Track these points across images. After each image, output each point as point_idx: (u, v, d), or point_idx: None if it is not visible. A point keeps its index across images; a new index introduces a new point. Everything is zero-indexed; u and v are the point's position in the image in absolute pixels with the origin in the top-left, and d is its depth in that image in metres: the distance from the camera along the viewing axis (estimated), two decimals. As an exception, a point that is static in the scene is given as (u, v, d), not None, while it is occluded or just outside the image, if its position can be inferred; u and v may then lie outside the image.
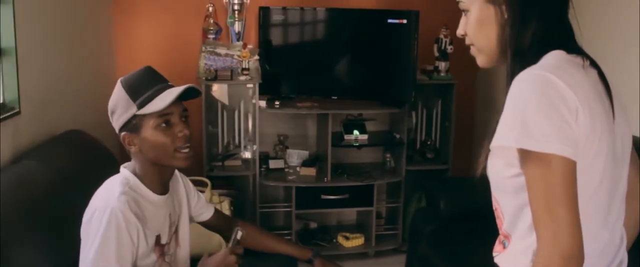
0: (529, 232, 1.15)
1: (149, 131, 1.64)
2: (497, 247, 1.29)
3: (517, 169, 1.13)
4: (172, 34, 3.72)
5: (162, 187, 1.73)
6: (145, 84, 1.66)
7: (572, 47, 1.18)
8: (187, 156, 1.67)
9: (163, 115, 1.63)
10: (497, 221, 1.29)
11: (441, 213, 2.98)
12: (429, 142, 3.81)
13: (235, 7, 3.57)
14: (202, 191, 2.80)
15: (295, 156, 3.71)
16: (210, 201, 2.77)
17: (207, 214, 2.00)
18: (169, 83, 1.71)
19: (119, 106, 1.67)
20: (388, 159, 3.73)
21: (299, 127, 3.79)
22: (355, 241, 3.61)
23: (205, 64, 3.47)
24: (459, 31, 1.30)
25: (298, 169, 3.65)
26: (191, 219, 1.94)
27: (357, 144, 3.62)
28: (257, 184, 3.49)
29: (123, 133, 1.68)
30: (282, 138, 3.74)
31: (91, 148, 2.64)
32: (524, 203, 1.14)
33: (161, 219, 1.71)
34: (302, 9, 3.58)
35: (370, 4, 3.74)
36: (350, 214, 3.90)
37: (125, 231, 1.57)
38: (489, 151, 1.19)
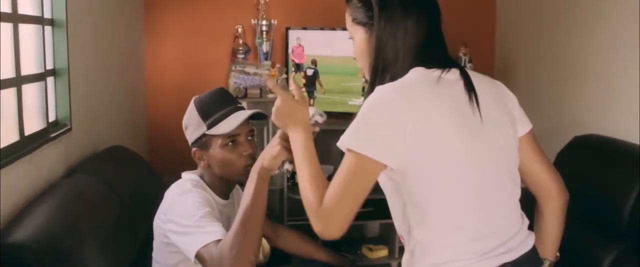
0: (406, 235, 1.37)
1: (216, 149, 1.79)
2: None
3: (384, 173, 1.32)
4: (202, 55, 3.88)
5: (225, 194, 1.89)
6: (215, 106, 1.81)
7: (431, 61, 1.36)
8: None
9: (230, 135, 1.78)
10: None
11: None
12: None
13: (263, 28, 3.73)
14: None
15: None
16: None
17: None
18: (239, 104, 1.86)
19: (191, 124, 1.83)
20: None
21: (323, 143, 3.91)
22: (379, 253, 3.70)
23: (235, 82, 3.63)
24: (353, 54, 1.49)
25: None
26: None
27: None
28: (285, 198, 3.61)
29: (194, 148, 1.83)
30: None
31: (133, 162, 2.80)
32: (394, 206, 1.39)
33: (224, 221, 1.84)
34: (321, 28, 3.74)
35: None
36: (374, 226, 4.00)
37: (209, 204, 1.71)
38: None
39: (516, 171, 1.41)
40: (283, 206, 3.63)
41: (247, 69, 3.64)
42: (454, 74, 1.36)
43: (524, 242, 1.39)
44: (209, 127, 1.78)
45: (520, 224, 1.41)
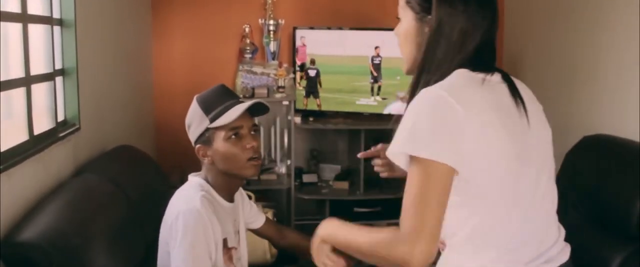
0: (452, 235, 1.29)
1: (220, 143, 1.78)
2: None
3: None
4: (209, 54, 3.89)
5: (229, 196, 1.88)
6: (217, 100, 1.81)
7: (478, 64, 1.30)
8: (256, 166, 1.82)
9: (233, 128, 1.78)
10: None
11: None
12: (458, 157, 3.90)
13: (271, 28, 3.74)
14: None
15: (328, 171, 3.85)
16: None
17: (259, 221, 2.13)
18: (240, 99, 1.86)
19: (194, 121, 1.83)
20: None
21: (332, 143, 3.93)
22: (386, 253, 3.70)
23: (242, 82, 3.64)
24: (395, 32, 1.42)
25: (331, 182, 3.78)
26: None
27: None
28: (292, 198, 3.62)
29: (198, 145, 1.83)
30: (315, 153, 3.87)
31: (141, 161, 2.80)
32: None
33: (229, 225, 1.86)
34: (328, 28, 3.74)
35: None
36: (382, 226, 3.99)
37: (209, 231, 1.70)
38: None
39: (554, 177, 1.38)
40: (290, 205, 3.63)
41: (255, 69, 3.65)
42: (497, 77, 1.32)
43: (561, 252, 1.36)
44: (212, 120, 1.78)
45: (558, 234, 1.38)
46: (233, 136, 1.78)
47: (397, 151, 1.22)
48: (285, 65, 3.69)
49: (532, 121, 1.31)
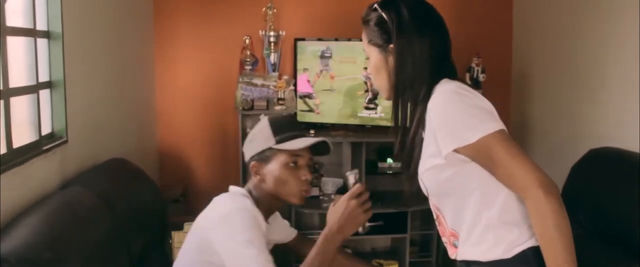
0: (473, 224, 1.42)
1: (277, 166, 1.82)
2: (451, 250, 1.51)
3: (451, 170, 1.38)
4: (210, 66, 3.87)
5: (267, 216, 1.86)
6: (288, 126, 1.87)
7: (453, 76, 1.47)
8: (304, 197, 1.86)
9: (295, 155, 1.81)
10: (440, 228, 1.53)
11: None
12: (462, 170, 3.82)
13: (271, 39, 3.69)
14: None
15: (330, 184, 3.78)
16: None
17: (290, 235, 2.09)
18: (307, 134, 1.93)
19: (259, 137, 1.85)
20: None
21: (334, 155, 3.86)
22: (389, 267, 3.64)
23: (242, 94, 3.59)
24: (367, 70, 1.63)
25: (333, 196, 3.70)
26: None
27: (391, 172, 3.67)
28: (294, 211, 3.55)
29: (253, 162, 1.85)
30: (317, 166, 3.80)
31: (133, 175, 2.76)
32: (464, 198, 1.41)
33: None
34: (336, 39, 3.68)
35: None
36: (384, 240, 3.93)
37: (263, 231, 1.72)
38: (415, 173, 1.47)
39: None
40: (291, 219, 3.57)
41: (255, 81, 3.60)
42: None
43: None
44: (278, 142, 1.82)
45: None
46: (292, 164, 1.82)
47: (451, 148, 1.34)
48: (285, 77, 3.63)
49: None
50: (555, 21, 3.46)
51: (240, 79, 3.62)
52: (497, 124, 1.32)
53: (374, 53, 1.52)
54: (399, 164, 3.69)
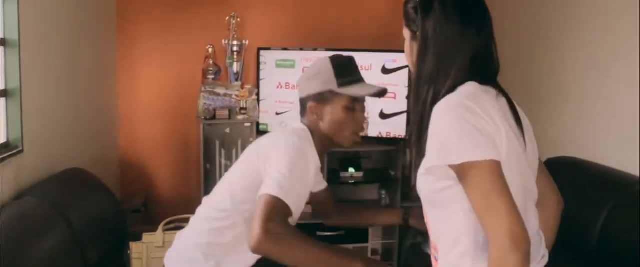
0: (453, 244, 1.32)
1: (337, 109, 1.83)
2: (434, 264, 1.43)
3: (446, 182, 1.28)
4: (173, 75, 3.84)
5: (321, 155, 1.90)
6: (351, 70, 1.88)
7: (486, 79, 1.35)
8: (357, 141, 1.90)
9: (355, 100, 1.84)
10: (431, 236, 1.44)
11: (434, 249, 3.02)
12: (423, 179, 3.87)
13: (234, 49, 3.68)
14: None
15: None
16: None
17: (321, 186, 2.12)
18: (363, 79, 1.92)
19: (319, 77, 1.85)
20: (383, 196, 3.80)
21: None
22: (351, 278, 3.63)
23: (205, 103, 3.57)
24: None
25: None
26: None
27: (353, 182, 3.69)
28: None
29: (311, 102, 1.85)
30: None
31: (91, 185, 2.72)
32: (448, 215, 1.32)
33: (313, 179, 1.86)
34: (301, 49, 3.68)
35: (367, 44, 3.82)
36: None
37: (312, 158, 1.76)
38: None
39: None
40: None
41: (217, 90, 3.58)
42: (498, 93, 1.36)
43: (545, 256, 1.44)
44: (341, 85, 1.82)
45: (541, 236, 1.45)
46: (351, 109, 1.84)
47: (434, 165, 1.25)
48: (248, 86, 3.63)
49: (528, 141, 1.36)
50: (514, 31, 3.52)
51: (203, 88, 3.60)
52: (490, 153, 1.20)
53: (407, 37, 1.44)
54: (360, 174, 3.72)
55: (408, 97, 3.55)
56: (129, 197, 3.71)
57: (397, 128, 3.62)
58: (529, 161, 1.37)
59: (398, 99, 3.61)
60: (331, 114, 1.83)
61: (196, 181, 3.67)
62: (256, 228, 1.52)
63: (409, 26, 1.41)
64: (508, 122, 1.29)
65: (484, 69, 1.36)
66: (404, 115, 3.59)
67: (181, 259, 1.91)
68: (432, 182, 1.31)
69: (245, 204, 1.80)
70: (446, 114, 1.25)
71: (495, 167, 1.20)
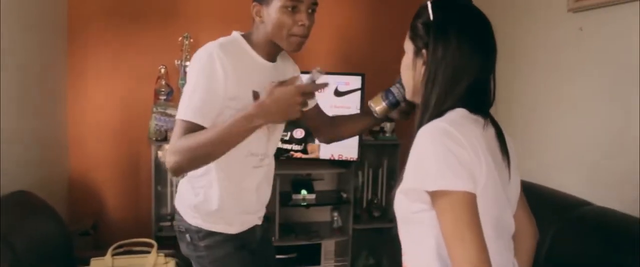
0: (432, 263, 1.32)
1: (275, 9, 1.74)
2: None
3: (421, 205, 1.28)
4: (124, 95, 3.79)
5: (269, 56, 1.85)
6: None
7: (477, 108, 1.35)
8: (299, 43, 1.79)
9: (293, 0, 1.74)
10: (403, 255, 1.44)
11: (385, 271, 3.05)
12: (375, 201, 3.91)
13: (187, 69, 3.65)
14: (148, 252, 2.82)
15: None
16: (155, 263, 2.79)
17: (311, 103, 2.08)
18: None
19: None
20: (335, 218, 3.81)
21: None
22: (303, 300, 3.63)
23: (156, 124, 3.53)
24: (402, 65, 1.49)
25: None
26: None
27: (305, 204, 3.69)
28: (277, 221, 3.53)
29: (254, 3, 1.80)
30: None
31: (36, 208, 2.65)
32: (421, 238, 1.32)
33: (263, 79, 1.79)
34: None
35: (320, 66, 3.84)
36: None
37: (219, 67, 1.69)
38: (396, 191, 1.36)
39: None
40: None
41: (169, 111, 3.55)
42: (487, 123, 1.36)
43: None
44: None
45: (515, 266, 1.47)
46: (290, 8, 1.74)
47: (410, 187, 1.27)
48: (200, 107, 3.60)
49: (512, 173, 1.37)
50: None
51: (155, 109, 3.56)
52: (464, 185, 1.20)
53: (410, 50, 1.42)
54: (312, 196, 3.73)
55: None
56: (78, 220, 3.63)
57: (349, 150, 3.65)
58: (510, 194, 1.39)
59: (350, 122, 3.63)
60: (271, 16, 1.76)
61: (147, 203, 3.61)
62: (166, 156, 1.65)
63: (414, 41, 1.40)
64: (492, 154, 1.30)
65: (479, 99, 1.36)
66: (356, 138, 3.62)
67: (180, 197, 1.98)
68: (408, 203, 1.32)
69: None
70: (429, 139, 1.25)
71: (468, 198, 1.20)
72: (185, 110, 1.67)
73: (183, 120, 1.67)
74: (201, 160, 1.68)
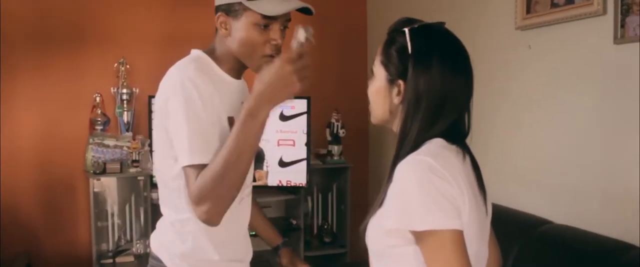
0: None
1: (245, 25, 1.56)
2: None
3: (398, 241, 1.21)
4: (57, 125, 3.57)
5: (236, 73, 1.67)
6: None
7: (454, 138, 1.28)
8: (268, 63, 1.56)
9: (267, 18, 1.54)
10: None
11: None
12: (326, 226, 3.82)
13: (124, 97, 3.50)
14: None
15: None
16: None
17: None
18: None
19: None
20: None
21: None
22: None
23: (93, 156, 3.34)
24: (369, 88, 1.39)
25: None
26: None
27: (253, 233, 3.55)
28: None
29: (219, 13, 1.60)
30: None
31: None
32: None
33: (235, 102, 1.63)
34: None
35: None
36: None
37: (203, 91, 1.51)
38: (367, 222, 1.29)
39: None
40: None
41: (107, 142, 3.37)
42: (464, 153, 1.29)
43: None
44: None
45: None
46: (262, 26, 1.56)
47: (394, 228, 1.20)
48: (140, 137, 3.44)
49: (488, 205, 1.33)
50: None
51: (91, 140, 3.37)
52: (453, 223, 1.15)
53: (381, 76, 1.32)
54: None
55: (307, 144, 3.50)
56: (10, 260, 3.38)
57: (297, 176, 3.55)
58: (486, 225, 1.34)
59: (297, 147, 3.55)
60: (239, 32, 1.57)
61: (86, 239, 3.40)
62: (193, 208, 1.47)
63: (387, 68, 1.30)
64: (472, 187, 1.24)
65: (456, 128, 1.30)
66: (304, 163, 3.53)
67: (161, 243, 1.73)
68: (383, 236, 1.24)
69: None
70: (411, 175, 1.18)
71: (458, 237, 1.16)
72: (191, 155, 1.48)
73: (192, 166, 1.47)
74: (232, 188, 1.47)
